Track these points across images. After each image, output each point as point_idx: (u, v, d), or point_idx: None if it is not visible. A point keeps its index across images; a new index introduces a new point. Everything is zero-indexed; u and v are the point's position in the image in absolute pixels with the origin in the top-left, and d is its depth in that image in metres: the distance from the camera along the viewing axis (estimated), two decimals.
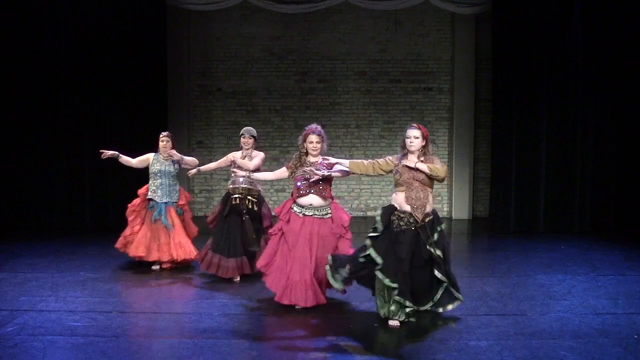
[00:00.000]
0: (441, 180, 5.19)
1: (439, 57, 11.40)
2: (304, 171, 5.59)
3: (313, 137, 5.63)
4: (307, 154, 5.69)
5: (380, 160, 5.33)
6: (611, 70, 9.58)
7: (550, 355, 4.45)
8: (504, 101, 9.91)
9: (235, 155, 6.78)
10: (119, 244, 7.33)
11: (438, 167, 5.10)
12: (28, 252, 8.11)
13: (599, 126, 9.77)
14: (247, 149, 6.80)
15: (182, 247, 7.14)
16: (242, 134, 6.85)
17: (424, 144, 5.18)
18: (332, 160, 5.62)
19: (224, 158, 6.91)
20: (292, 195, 5.78)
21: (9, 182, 9.80)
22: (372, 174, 5.40)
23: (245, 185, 6.70)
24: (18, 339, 4.71)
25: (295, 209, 5.63)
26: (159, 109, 9.96)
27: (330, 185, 5.72)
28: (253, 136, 6.80)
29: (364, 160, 5.44)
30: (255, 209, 6.74)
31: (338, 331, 5.04)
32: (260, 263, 5.79)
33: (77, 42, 9.76)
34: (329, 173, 5.56)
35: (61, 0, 9.68)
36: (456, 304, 5.29)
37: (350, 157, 11.29)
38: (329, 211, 5.62)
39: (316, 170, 5.53)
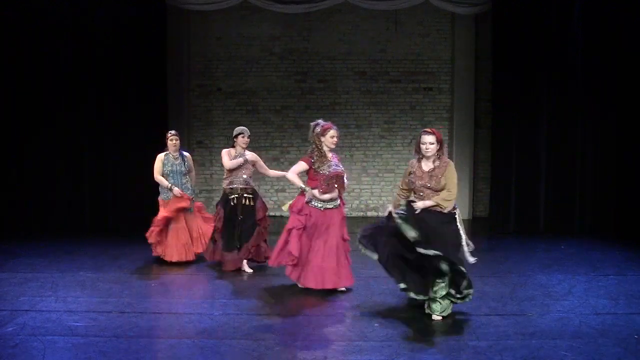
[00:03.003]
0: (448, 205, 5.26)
1: (439, 57, 11.40)
2: (329, 166, 5.93)
3: (334, 132, 5.98)
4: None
5: (401, 182, 5.51)
6: (611, 69, 9.57)
7: (550, 355, 4.45)
8: (504, 101, 9.90)
9: (230, 154, 7.01)
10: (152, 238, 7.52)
11: (445, 198, 5.19)
12: (28, 252, 8.10)
13: (599, 126, 9.76)
14: (244, 148, 7.04)
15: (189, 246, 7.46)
16: (242, 133, 7.01)
17: (438, 147, 5.25)
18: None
19: (235, 161, 6.99)
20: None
21: (9, 183, 9.80)
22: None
23: (242, 185, 7.00)
24: (18, 339, 4.71)
25: (316, 204, 5.96)
26: (159, 109, 9.95)
27: None
28: (249, 135, 7.11)
29: (397, 194, 5.58)
30: (252, 204, 7.02)
31: (337, 331, 5.05)
32: (287, 259, 6.05)
33: (77, 42, 9.75)
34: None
35: (61, 1, 9.68)
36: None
37: (351, 157, 11.35)
38: (339, 200, 6.10)
39: (336, 165, 6.00)
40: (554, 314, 5.43)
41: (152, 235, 7.39)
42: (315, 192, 5.92)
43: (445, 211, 5.20)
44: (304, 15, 10.74)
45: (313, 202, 5.96)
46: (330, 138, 5.97)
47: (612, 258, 7.86)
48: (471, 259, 5.31)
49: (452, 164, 5.32)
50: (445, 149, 5.35)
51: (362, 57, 11.41)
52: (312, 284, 5.97)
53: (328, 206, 5.97)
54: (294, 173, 6.06)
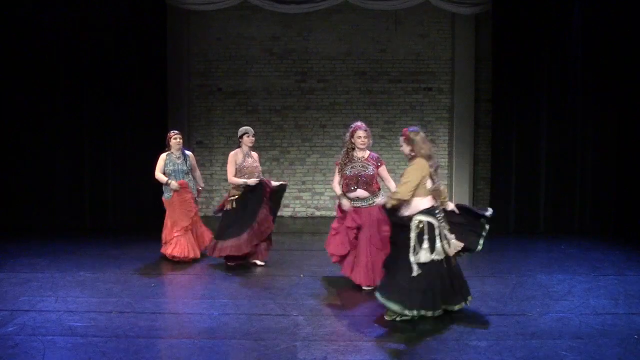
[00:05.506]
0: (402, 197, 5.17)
1: (439, 57, 11.39)
2: (352, 167, 6.10)
3: (361, 132, 6.13)
4: (353, 149, 6.17)
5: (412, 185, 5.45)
6: (611, 69, 9.56)
7: (550, 355, 4.45)
8: (504, 101, 9.89)
9: (238, 157, 7.11)
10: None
11: (394, 193, 5.25)
12: (28, 252, 8.10)
13: (599, 126, 9.76)
14: (250, 148, 7.19)
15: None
16: (247, 133, 7.15)
17: (410, 148, 5.33)
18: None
19: (240, 180, 7.08)
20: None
21: (8, 182, 9.80)
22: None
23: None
24: (18, 339, 4.72)
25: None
26: (159, 109, 9.95)
27: (375, 180, 6.18)
28: (254, 134, 7.25)
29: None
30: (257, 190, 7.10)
31: (337, 331, 5.05)
32: (335, 257, 6.29)
33: (77, 42, 9.75)
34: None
35: (61, 0, 9.68)
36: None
37: None
38: (375, 200, 6.11)
39: (362, 166, 6.10)
40: (554, 314, 5.43)
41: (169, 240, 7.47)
42: (345, 201, 6.14)
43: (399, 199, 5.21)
44: (304, 15, 10.74)
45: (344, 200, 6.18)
46: (357, 139, 6.14)
47: (612, 258, 7.85)
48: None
49: (417, 161, 5.24)
50: (417, 147, 5.26)
51: (362, 57, 11.41)
52: (359, 281, 6.12)
53: (356, 204, 6.12)
54: (335, 182, 6.34)
